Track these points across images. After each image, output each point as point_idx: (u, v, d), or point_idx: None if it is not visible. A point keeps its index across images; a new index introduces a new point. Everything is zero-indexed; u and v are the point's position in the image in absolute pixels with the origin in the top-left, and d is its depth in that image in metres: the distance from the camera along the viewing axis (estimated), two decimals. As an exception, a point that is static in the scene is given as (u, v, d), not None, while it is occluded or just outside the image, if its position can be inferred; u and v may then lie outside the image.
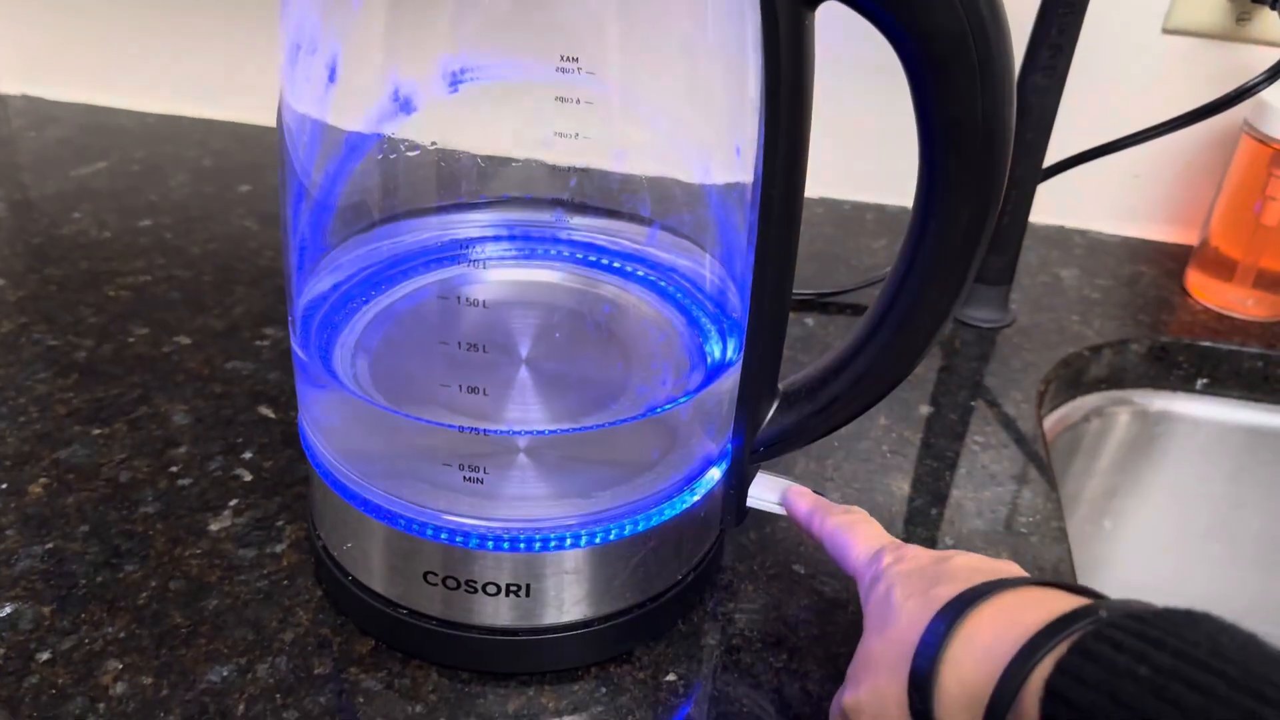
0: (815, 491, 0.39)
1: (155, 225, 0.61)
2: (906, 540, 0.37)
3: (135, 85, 0.73)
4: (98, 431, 0.46)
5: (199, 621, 0.38)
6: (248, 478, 0.44)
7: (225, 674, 0.36)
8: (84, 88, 0.73)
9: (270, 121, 0.72)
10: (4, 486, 0.43)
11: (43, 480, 0.44)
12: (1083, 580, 0.65)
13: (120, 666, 0.36)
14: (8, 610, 0.38)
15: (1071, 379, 0.57)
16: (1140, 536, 0.62)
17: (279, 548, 0.41)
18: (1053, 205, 0.67)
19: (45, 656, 0.37)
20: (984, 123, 0.31)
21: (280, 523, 0.42)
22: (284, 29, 0.33)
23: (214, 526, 0.42)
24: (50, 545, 0.41)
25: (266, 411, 0.48)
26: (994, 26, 0.30)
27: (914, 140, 0.33)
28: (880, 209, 0.67)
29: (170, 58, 0.71)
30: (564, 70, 0.33)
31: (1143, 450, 0.60)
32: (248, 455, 0.45)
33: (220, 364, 0.50)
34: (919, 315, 0.35)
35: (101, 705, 0.35)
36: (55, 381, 0.49)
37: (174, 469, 0.44)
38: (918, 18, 0.30)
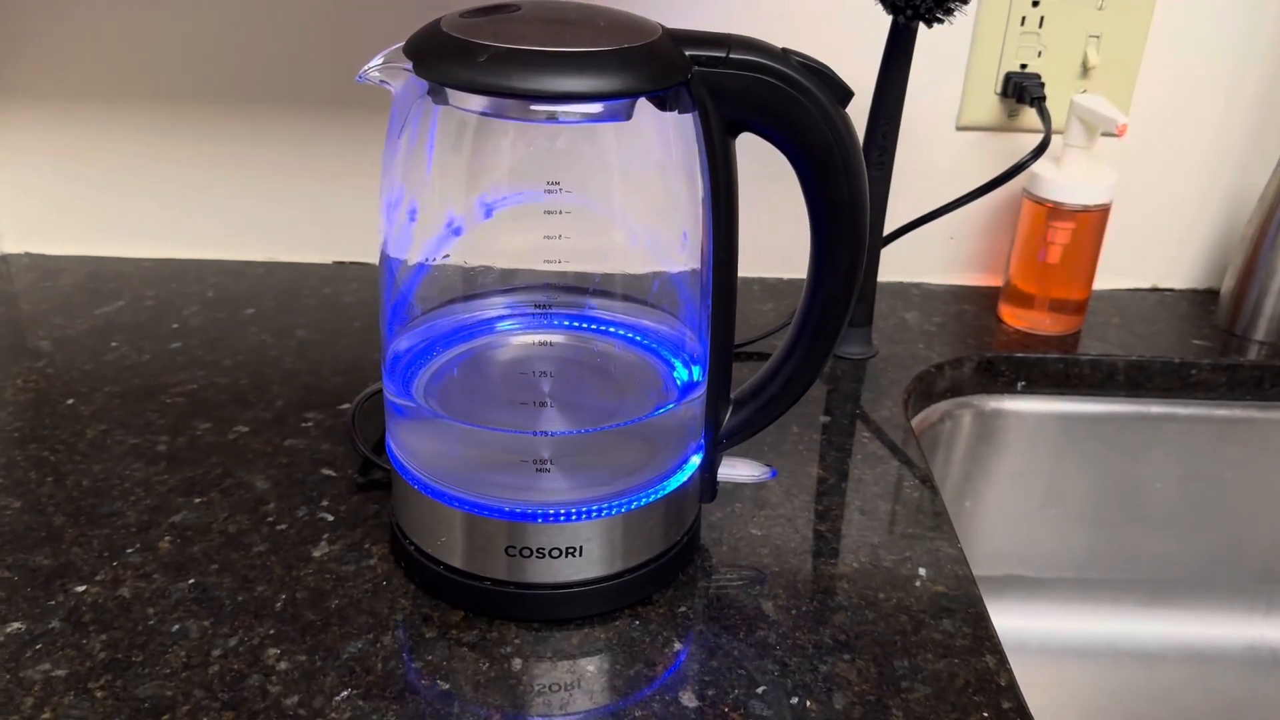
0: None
1: (185, 346, 0.73)
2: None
3: (127, 236, 0.85)
4: (198, 500, 0.58)
5: (328, 615, 0.51)
6: (330, 518, 0.57)
7: (360, 646, 0.49)
8: (80, 243, 0.85)
9: (249, 256, 0.86)
10: (137, 546, 0.55)
11: (167, 538, 0.55)
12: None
13: (278, 651, 0.49)
14: (177, 627, 0.50)
15: (925, 391, 0.75)
16: (994, 510, 0.80)
17: (371, 561, 0.54)
18: (895, 266, 0.86)
19: (218, 653, 0.48)
20: (849, 198, 0.48)
21: (367, 545, 0.55)
22: (382, 194, 0.49)
23: (316, 553, 0.54)
24: (192, 580, 0.53)
25: (329, 472, 0.61)
26: (849, 139, 0.47)
27: (781, 228, 0.49)
28: (763, 280, 0.86)
29: (155, 211, 0.84)
30: (550, 191, 0.50)
31: (985, 441, 0.78)
32: (325, 503, 0.58)
33: (279, 443, 0.63)
34: (821, 332, 0.52)
35: (274, 677, 0.47)
36: (148, 469, 0.61)
37: (270, 519, 0.57)
38: (803, 138, 0.47)
